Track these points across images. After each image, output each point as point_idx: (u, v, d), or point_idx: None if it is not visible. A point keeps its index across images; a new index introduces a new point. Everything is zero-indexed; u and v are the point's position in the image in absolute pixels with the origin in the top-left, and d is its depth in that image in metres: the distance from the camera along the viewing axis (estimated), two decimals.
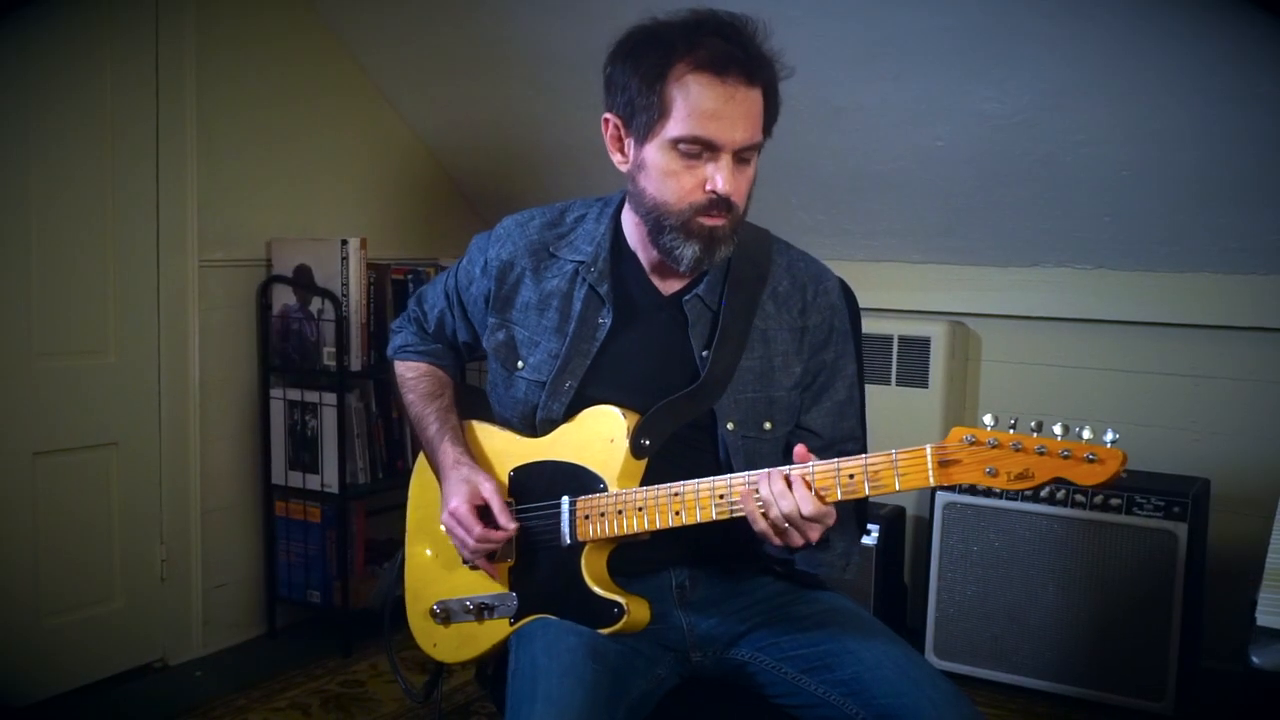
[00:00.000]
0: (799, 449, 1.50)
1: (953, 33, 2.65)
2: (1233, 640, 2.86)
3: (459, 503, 1.65)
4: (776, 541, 1.49)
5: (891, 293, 3.36)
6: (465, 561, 1.72)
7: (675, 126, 1.53)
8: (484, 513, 1.66)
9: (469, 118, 3.62)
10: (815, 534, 1.48)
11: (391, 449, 3.41)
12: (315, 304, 3.18)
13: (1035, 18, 2.54)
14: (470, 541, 1.65)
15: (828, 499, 1.45)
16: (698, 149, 1.54)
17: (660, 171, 1.56)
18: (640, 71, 1.55)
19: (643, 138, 1.57)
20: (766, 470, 1.49)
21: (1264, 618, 1.39)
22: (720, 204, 1.55)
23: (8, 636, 2.76)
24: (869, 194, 3.20)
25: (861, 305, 1.94)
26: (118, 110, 2.90)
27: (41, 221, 2.77)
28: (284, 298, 3.24)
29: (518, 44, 3.21)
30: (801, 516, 1.45)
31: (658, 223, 1.59)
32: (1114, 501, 2.82)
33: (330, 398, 3.17)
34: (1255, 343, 2.98)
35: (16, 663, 2.78)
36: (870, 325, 3.07)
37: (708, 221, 1.57)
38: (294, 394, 3.25)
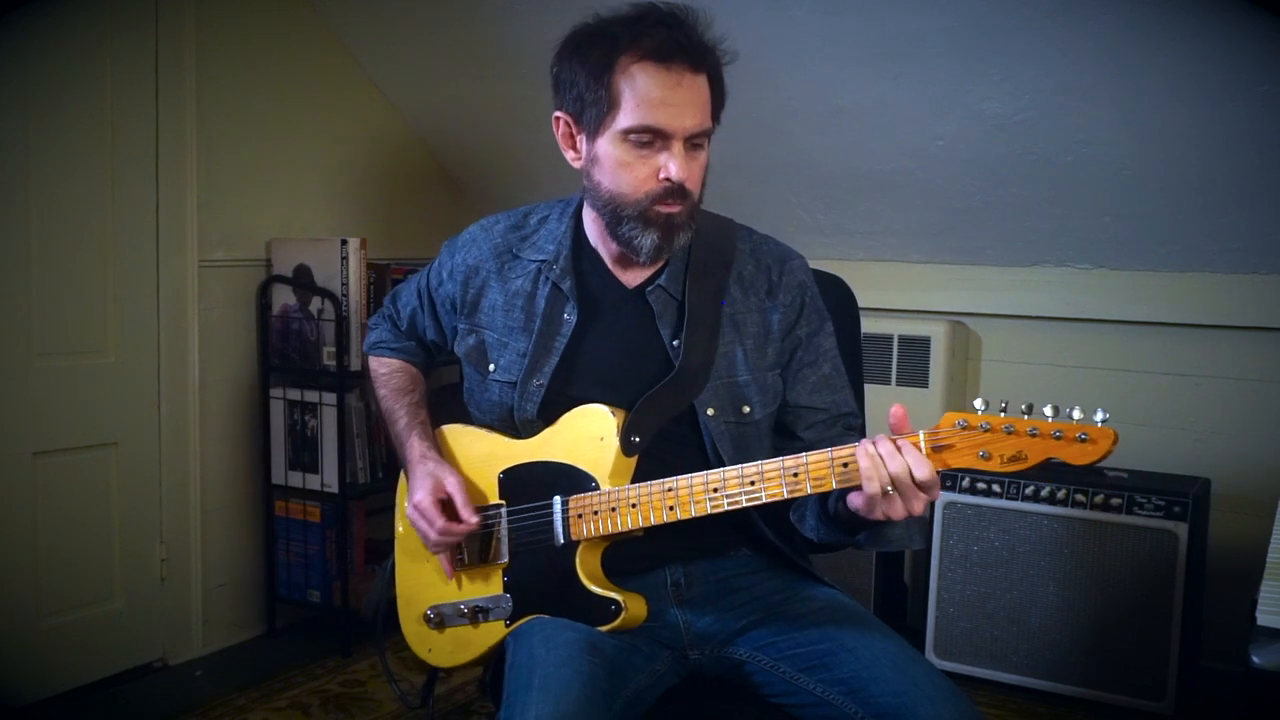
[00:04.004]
0: (896, 410, 1.43)
1: (953, 33, 2.65)
2: (1233, 640, 2.86)
3: (422, 495, 1.67)
4: (878, 514, 1.41)
5: (891, 293, 3.36)
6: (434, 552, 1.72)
7: (625, 117, 1.55)
8: (448, 506, 1.67)
9: (469, 117, 3.62)
10: (920, 507, 1.40)
11: (391, 449, 3.40)
12: (315, 304, 3.18)
13: (1036, 17, 2.54)
14: (432, 534, 1.66)
15: (823, 488, 1.45)
16: (649, 138, 1.55)
17: (614, 163, 1.58)
18: (587, 66, 1.58)
19: (594, 132, 1.60)
20: (865, 439, 1.42)
21: (1264, 617, 1.39)
22: (675, 191, 1.57)
23: (7, 636, 2.76)
24: (869, 194, 3.20)
25: (861, 305, 1.94)
26: (118, 110, 2.90)
27: (41, 221, 2.77)
28: (284, 297, 3.24)
29: (517, 43, 3.21)
30: (914, 481, 1.38)
31: (615, 214, 1.61)
32: (1114, 501, 2.81)
33: (330, 398, 3.17)
34: (1256, 342, 2.98)
35: (16, 663, 2.78)
36: (870, 325, 3.07)
37: (664, 209, 1.58)
38: (294, 394, 3.25)
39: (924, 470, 1.38)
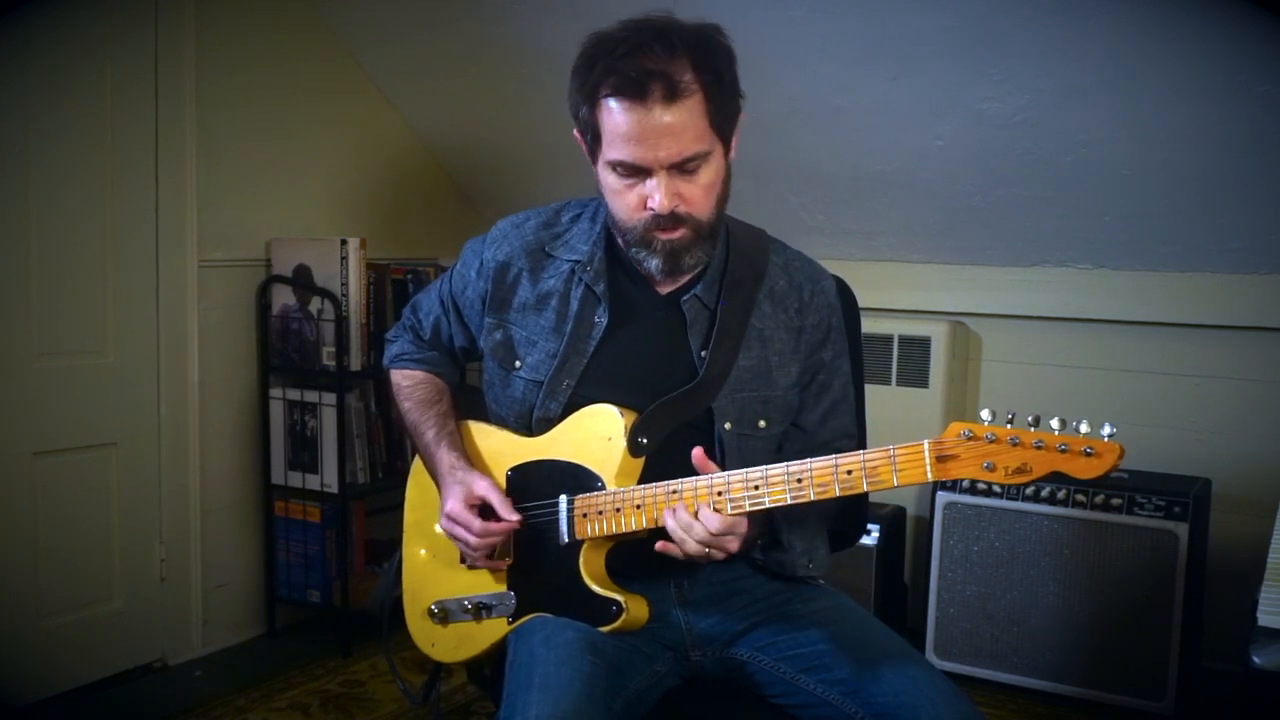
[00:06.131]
0: (697, 453, 1.52)
1: (953, 32, 2.65)
2: (1233, 640, 2.86)
3: (454, 503, 1.66)
4: (702, 561, 1.53)
5: (891, 293, 3.36)
6: (465, 561, 1.72)
7: (608, 149, 1.55)
8: (483, 510, 1.66)
9: (469, 117, 3.62)
10: (734, 544, 1.51)
11: (391, 449, 3.41)
12: (315, 304, 3.17)
13: (1036, 17, 2.54)
14: (471, 539, 1.65)
15: (826, 495, 1.45)
16: (630, 171, 1.55)
17: (609, 191, 1.59)
18: (577, 96, 1.57)
19: (593, 157, 1.60)
20: (672, 506, 1.52)
21: (1265, 617, 1.39)
22: (667, 219, 1.56)
23: (7, 636, 2.76)
24: (869, 194, 3.20)
25: (861, 305, 1.94)
26: (117, 110, 2.90)
27: (41, 221, 2.77)
28: (283, 298, 3.23)
29: (517, 42, 3.21)
30: (711, 534, 1.48)
31: (622, 237, 1.62)
32: (1115, 501, 2.81)
33: (330, 398, 3.17)
34: (1257, 342, 2.98)
35: (16, 663, 2.78)
36: (870, 325, 3.07)
37: (662, 235, 1.58)
38: (294, 394, 3.25)
39: (714, 524, 1.48)
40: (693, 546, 1.49)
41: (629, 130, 1.51)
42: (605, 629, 1.58)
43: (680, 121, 1.51)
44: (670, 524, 1.51)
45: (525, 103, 3.42)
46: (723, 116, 1.56)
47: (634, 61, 1.50)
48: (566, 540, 1.63)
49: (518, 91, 3.38)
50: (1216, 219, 2.84)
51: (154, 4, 2.96)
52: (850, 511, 1.85)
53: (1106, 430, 1.31)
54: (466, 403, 1.85)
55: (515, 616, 1.67)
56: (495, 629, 1.69)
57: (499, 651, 1.69)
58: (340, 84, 3.48)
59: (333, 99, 3.46)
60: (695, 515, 1.49)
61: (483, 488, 1.65)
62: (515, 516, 1.64)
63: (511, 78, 3.34)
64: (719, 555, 1.51)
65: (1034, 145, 2.85)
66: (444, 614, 1.74)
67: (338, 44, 3.45)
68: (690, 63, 1.52)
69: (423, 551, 1.80)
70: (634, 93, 1.50)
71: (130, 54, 2.92)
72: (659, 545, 1.53)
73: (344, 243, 3.15)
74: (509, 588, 1.69)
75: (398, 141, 3.70)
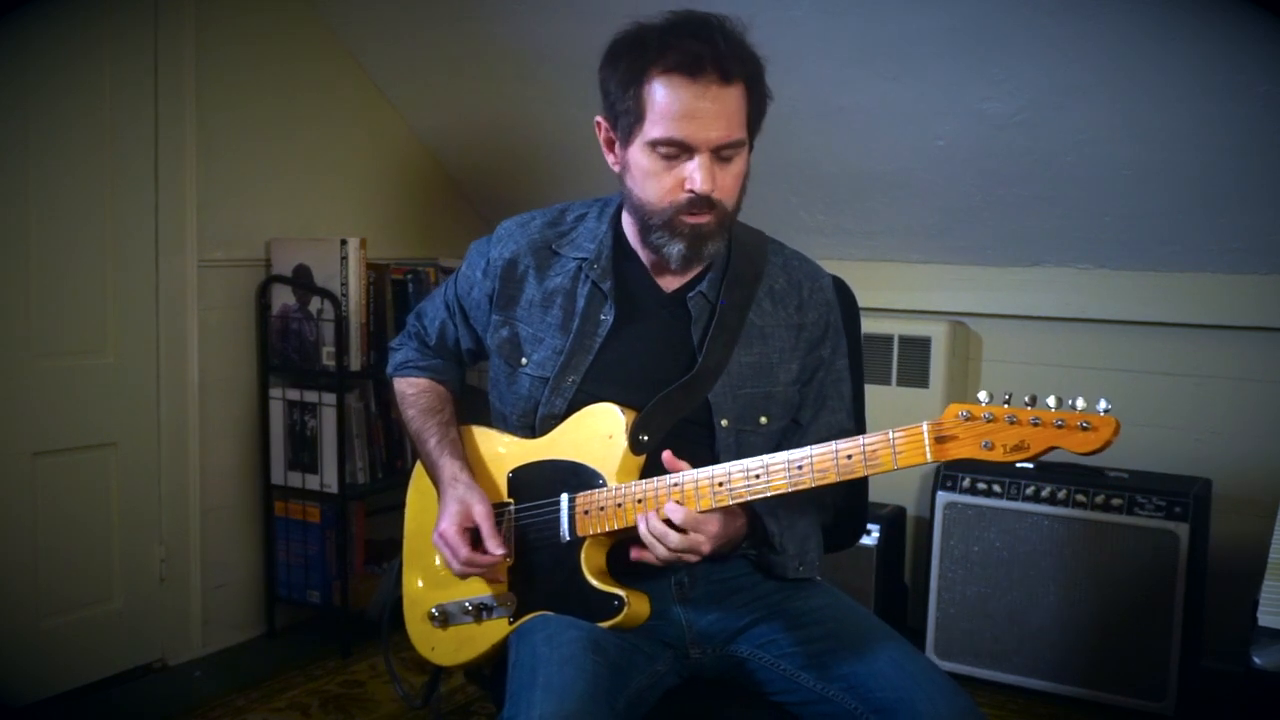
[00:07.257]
0: (666, 455, 1.54)
1: (953, 32, 2.65)
2: (1233, 640, 2.85)
3: (448, 524, 1.67)
4: (680, 563, 1.55)
5: (891, 293, 3.36)
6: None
7: (652, 128, 1.56)
8: (475, 534, 1.66)
9: (469, 117, 3.62)
10: (706, 546, 1.52)
11: (391, 449, 3.41)
12: (315, 304, 3.17)
13: (1036, 17, 2.54)
14: (455, 565, 1.67)
15: (826, 480, 1.46)
16: (674, 150, 1.56)
17: (643, 172, 1.60)
18: (619, 75, 1.59)
19: (626, 140, 1.61)
20: (644, 513, 1.54)
21: (1265, 617, 1.39)
22: (701, 202, 1.58)
23: (7, 636, 2.76)
24: (869, 194, 3.20)
25: (861, 305, 1.95)
26: (117, 110, 2.90)
27: (40, 221, 2.77)
28: (283, 297, 3.23)
29: (517, 42, 3.21)
30: (677, 527, 1.50)
31: (645, 222, 1.63)
32: (1115, 502, 2.81)
33: (330, 398, 3.17)
34: (1257, 343, 2.98)
35: (15, 663, 2.78)
36: (870, 325, 3.07)
37: (691, 219, 1.59)
38: (293, 394, 3.25)
39: (677, 516, 1.51)
40: (662, 551, 1.51)
41: (681, 108, 1.54)
42: (607, 624, 1.58)
43: (729, 106, 1.56)
44: (642, 529, 1.53)
45: (525, 103, 3.42)
46: (755, 114, 1.61)
47: (691, 42, 1.54)
48: (568, 538, 1.63)
49: (518, 91, 3.39)
50: (1217, 219, 2.84)
51: (154, 4, 2.95)
52: (850, 511, 1.86)
53: (1103, 405, 1.32)
54: (468, 404, 1.86)
55: (516, 616, 1.67)
56: (496, 630, 1.69)
57: (499, 652, 1.69)
58: (340, 84, 3.48)
59: (333, 99, 3.46)
60: (658, 517, 1.52)
61: (479, 513, 1.66)
62: (500, 551, 1.64)
63: (511, 78, 3.34)
64: (691, 558, 1.53)
65: (1034, 145, 2.85)
66: (444, 617, 1.74)
67: (338, 44, 3.45)
68: (737, 55, 1.56)
69: (423, 556, 1.80)
70: (691, 70, 1.53)
71: (130, 54, 2.92)
72: (634, 554, 1.55)
73: (344, 243, 3.15)
74: (510, 587, 1.69)
75: (398, 141, 3.70)
